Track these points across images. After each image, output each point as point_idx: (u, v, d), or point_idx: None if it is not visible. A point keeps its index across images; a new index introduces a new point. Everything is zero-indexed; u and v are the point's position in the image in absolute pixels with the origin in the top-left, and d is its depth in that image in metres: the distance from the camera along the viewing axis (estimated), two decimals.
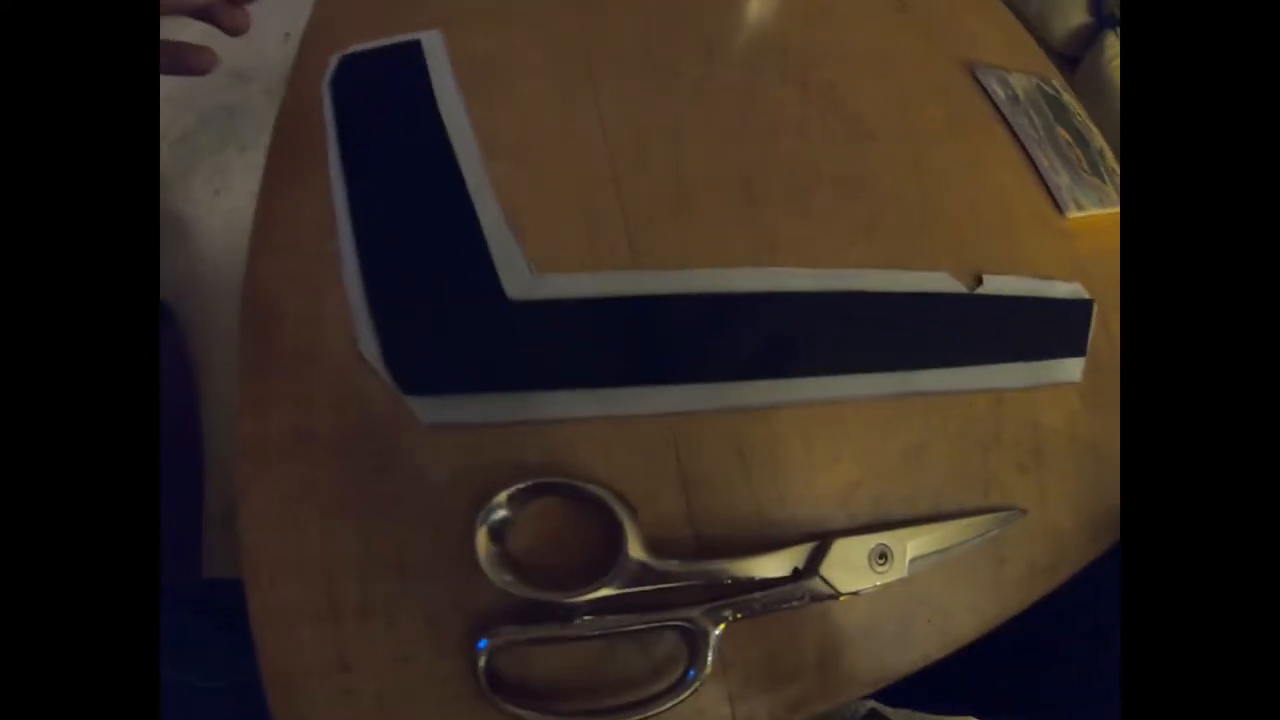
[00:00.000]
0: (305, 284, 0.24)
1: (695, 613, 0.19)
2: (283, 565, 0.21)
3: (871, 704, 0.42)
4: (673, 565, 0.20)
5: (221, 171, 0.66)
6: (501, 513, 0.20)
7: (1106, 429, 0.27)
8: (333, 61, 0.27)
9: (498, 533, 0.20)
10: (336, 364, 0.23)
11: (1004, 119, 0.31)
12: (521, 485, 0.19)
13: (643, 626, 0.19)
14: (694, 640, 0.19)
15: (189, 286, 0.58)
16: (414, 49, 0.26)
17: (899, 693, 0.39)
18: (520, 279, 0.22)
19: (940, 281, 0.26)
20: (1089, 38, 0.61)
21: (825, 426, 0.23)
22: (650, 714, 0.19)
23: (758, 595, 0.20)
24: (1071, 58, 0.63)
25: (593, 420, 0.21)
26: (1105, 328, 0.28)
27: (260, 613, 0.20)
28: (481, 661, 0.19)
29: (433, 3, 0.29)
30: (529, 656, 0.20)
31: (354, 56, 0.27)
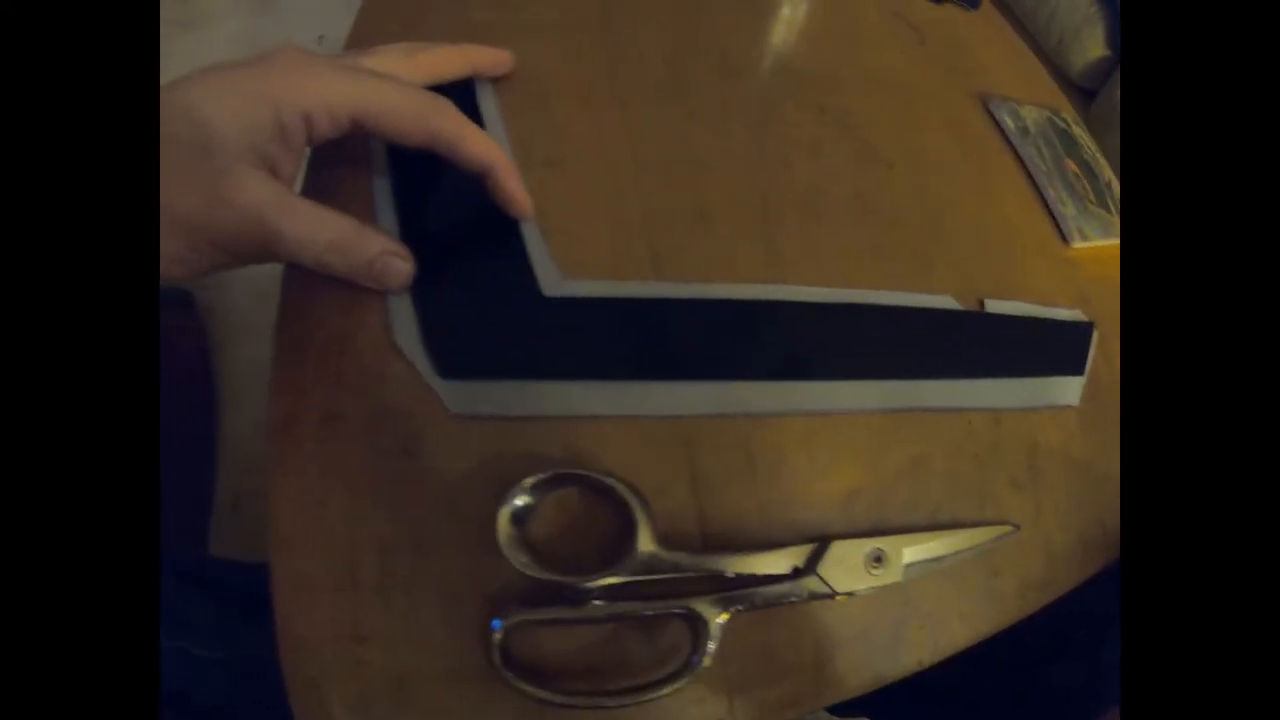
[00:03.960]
0: None
1: (701, 602, 0.20)
2: (307, 539, 0.22)
3: None
4: (681, 557, 0.21)
5: None
6: (524, 499, 0.21)
7: (1103, 451, 0.28)
8: None
9: (519, 518, 0.21)
10: (369, 350, 0.24)
11: (1014, 150, 0.32)
12: (544, 475, 0.21)
13: (651, 613, 0.20)
14: (698, 628, 0.20)
15: (210, 277, 0.59)
16: None
17: None
18: (553, 279, 0.23)
19: (944, 304, 0.27)
20: (1106, 71, 0.63)
21: (829, 434, 0.24)
22: (653, 697, 0.20)
23: (759, 589, 0.21)
24: (1088, 90, 0.64)
25: (610, 418, 0.22)
26: (1105, 353, 0.29)
27: (282, 581, 0.21)
28: (496, 639, 0.20)
29: (467, 20, 0.31)
30: (540, 638, 0.21)
31: None
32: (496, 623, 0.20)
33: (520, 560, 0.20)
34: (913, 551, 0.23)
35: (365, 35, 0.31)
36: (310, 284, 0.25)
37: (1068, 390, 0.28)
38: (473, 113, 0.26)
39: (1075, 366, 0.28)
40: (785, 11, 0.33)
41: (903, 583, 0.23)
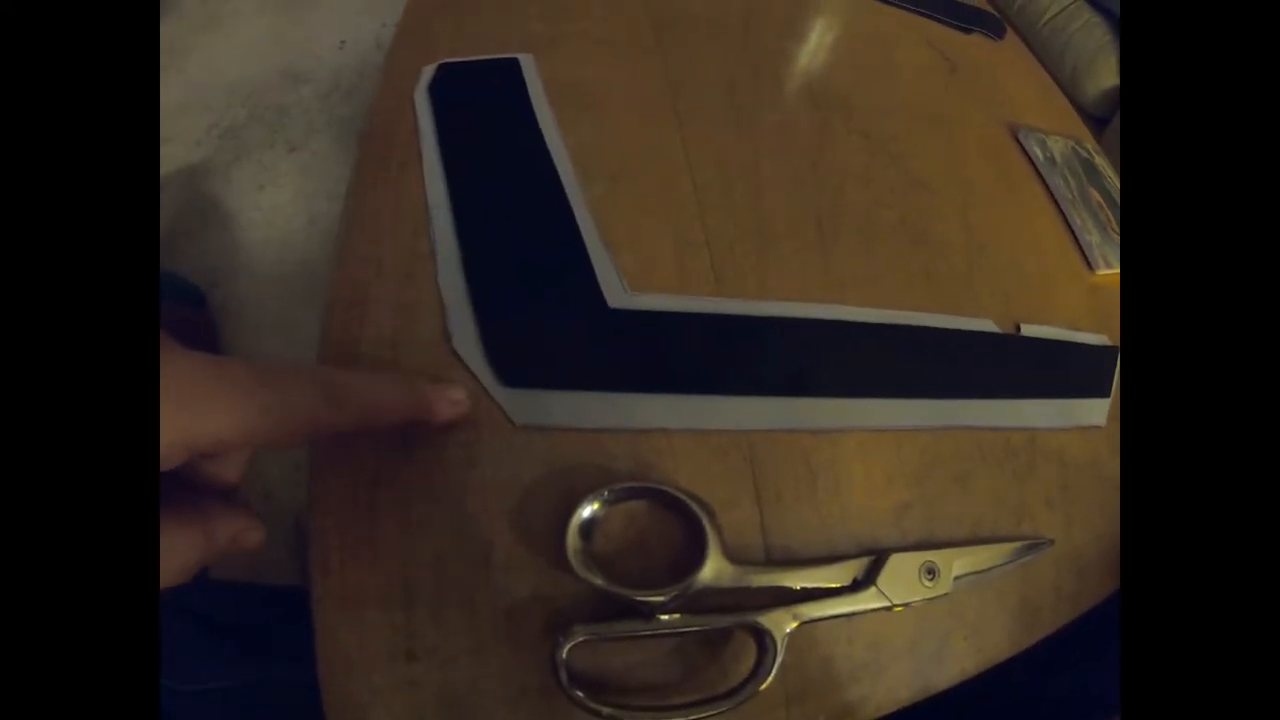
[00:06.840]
0: (395, 276, 0.25)
1: (768, 615, 0.20)
2: (355, 550, 0.21)
3: None
4: (748, 570, 0.21)
5: (269, 169, 0.66)
6: (592, 512, 0.21)
7: None
8: (430, 69, 0.29)
9: (586, 531, 0.21)
10: (425, 356, 0.24)
11: (1042, 179, 0.33)
12: (615, 487, 0.21)
13: (719, 626, 0.21)
14: (764, 641, 0.20)
15: (224, 274, 0.58)
16: (513, 67, 0.28)
17: None
18: (618, 291, 0.23)
19: (984, 327, 0.28)
20: (1119, 100, 0.64)
21: (883, 450, 0.25)
22: (718, 711, 0.20)
23: (824, 602, 0.21)
24: (1101, 118, 0.66)
25: (677, 432, 0.23)
26: None
27: (325, 597, 0.20)
28: (563, 654, 0.20)
29: (520, 27, 0.31)
30: (605, 653, 0.21)
31: (453, 66, 0.28)
32: (564, 637, 0.20)
33: (589, 574, 0.20)
34: (961, 564, 0.24)
35: (410, 35, 0.31)
36: (363, 282, 0.25)
37: (1095, 411, 0.29)
38: (528, 115, 0.26)
39: (1102, 389, 0.29)
40: (827, 38, 0.34)
41: (950, 596, 0.23)
